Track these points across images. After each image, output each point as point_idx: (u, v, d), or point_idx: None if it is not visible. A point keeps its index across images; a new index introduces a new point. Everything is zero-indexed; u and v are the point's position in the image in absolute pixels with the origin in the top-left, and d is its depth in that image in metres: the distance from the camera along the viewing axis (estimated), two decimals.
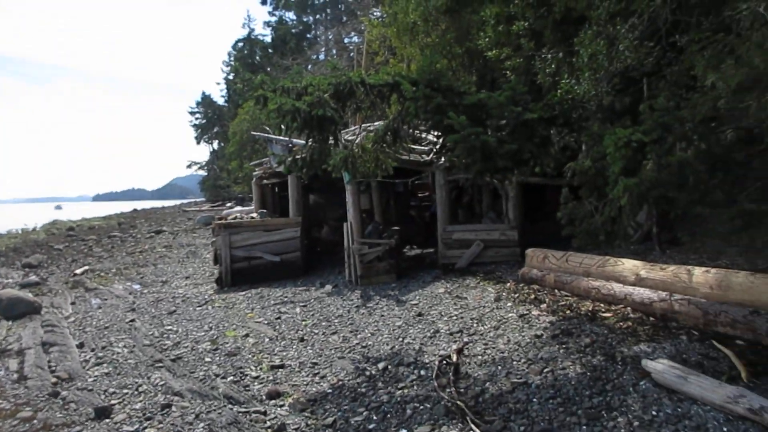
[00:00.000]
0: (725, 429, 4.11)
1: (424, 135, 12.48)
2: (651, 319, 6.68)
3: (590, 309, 7.38)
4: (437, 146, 11.66)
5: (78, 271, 15.57)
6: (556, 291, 8.51)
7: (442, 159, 10.86)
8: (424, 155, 11.74)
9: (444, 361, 6.13)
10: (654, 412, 4.50)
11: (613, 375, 5.28)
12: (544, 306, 7.83)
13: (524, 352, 6.22)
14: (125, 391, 6.08)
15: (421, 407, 5.09)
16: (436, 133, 11.33)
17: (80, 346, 7.97)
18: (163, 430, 5.02)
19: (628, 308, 7.11)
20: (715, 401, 4.38)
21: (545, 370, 5.62)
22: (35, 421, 5.40)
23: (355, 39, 38.60)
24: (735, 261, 8.40)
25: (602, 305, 7.48)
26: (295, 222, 12.62)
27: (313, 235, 15.90)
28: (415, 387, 5.59)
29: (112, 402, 5.75)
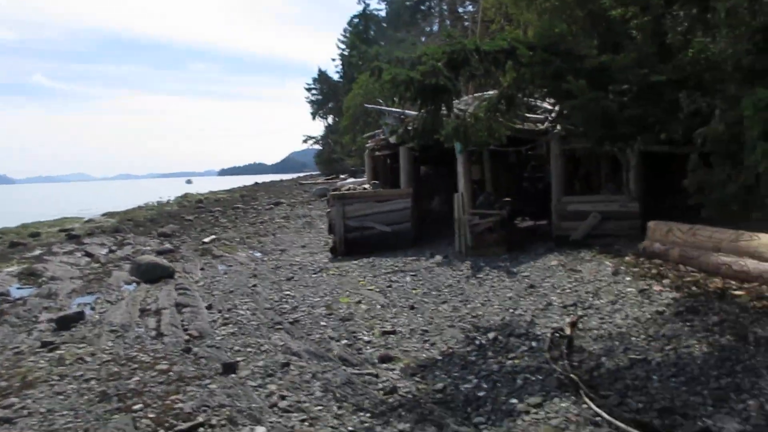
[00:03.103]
0: None
1: (539, 103, 12.06)
2: None
3: (720, 286, 6.89)
4: (553, 114, 11.25)
5: (206, 240, 16.72)
6: (680, 266, 8.00)
7: (558, 127, 10.47)
8: (539, 124, 11.38)
9: (557, 334, 6.00)
10: None
11: (744, 356, 4.94)
12: (666, 281, 7.41)
13: (644, 328, 5.94)
14: (249, 349, 6.49)
15: (533, 378, 5.02)
16: (551, 101, 10.92)
17: (209, 307, 8.59)
18: (283, 386, 5.32)
19: (765, 286, 6.56)
20: None
21: (667, 348, 5.35)
22: (171, 373, 5.91)
23: (470, 8, 37.75)
24: None
25: (734, 282, 6.95)
26: (406, 193, 12.74)
27: (423, 207, 15.98)
28: (527, 358, 5.53)
29: (238, 359, 6.16)
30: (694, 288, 7.00)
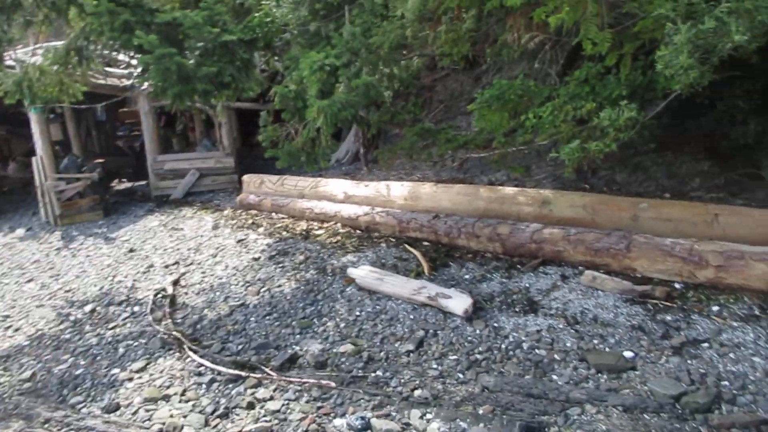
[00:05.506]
0: (411, 316, 4.81)
1: (123, 57, 11.34)
2: (357, 232, 7.33)
3: (305, 228, 7.79)
4: (139, 69, 10.76)
5: None
6: (273, 214, 8.75)
7: (145, 84, 10.07)
8: (123, 79, 10.73)
9: (159, 295, 5.95)
10: (357, 313, 5.03)
11: (324, 286, 5.72)
12: (261, 229, 8.02)
13: (242, 275, 6.35)
14: None
15: (136, 344, 4.90)
16: (132, 55, 10.40)
17: None
18: None
19: (338, 224, 7.68)
20: (404, 295, 5.06)
21: (262, 290, 5.83)
22: None
23: None
24: (425, 175, 9.56)
25: (316, 224, 7.94)
26: None
27: None
28: (129, 325, 5.35)
29: None
30: (284, 233, 7.75)
